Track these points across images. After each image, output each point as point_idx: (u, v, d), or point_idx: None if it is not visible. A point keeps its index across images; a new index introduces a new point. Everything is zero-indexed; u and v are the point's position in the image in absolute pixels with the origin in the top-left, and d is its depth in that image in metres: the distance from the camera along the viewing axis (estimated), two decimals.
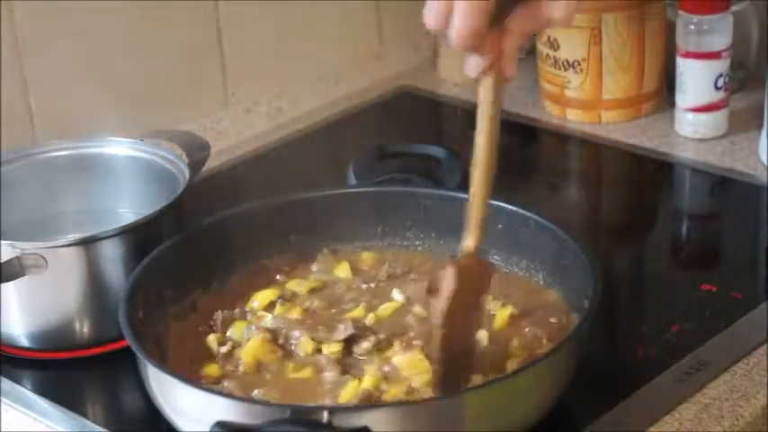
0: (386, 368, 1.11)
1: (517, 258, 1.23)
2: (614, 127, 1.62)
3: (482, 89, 1.00)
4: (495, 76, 0.99)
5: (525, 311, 1.18)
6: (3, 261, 1.16)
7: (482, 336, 1.13)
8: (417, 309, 1.19)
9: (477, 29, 0.94)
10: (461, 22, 0.94)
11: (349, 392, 1.08)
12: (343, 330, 1.14)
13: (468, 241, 1.03)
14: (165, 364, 1.07)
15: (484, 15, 0.94)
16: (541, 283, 1.22)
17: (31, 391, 1.19)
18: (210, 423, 0.97)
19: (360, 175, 1.39)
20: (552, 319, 1.17)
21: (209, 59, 1.62)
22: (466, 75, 0.99)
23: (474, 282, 1.05)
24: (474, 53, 0.97)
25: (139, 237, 1.20)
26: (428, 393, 1.07)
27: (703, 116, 1.56)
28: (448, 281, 1.03)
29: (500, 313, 1.18)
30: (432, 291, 1.05)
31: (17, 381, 1.20)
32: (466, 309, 1.06)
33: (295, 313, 1.19)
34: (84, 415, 1.16)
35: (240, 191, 1.55)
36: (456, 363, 1.06)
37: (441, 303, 1.04)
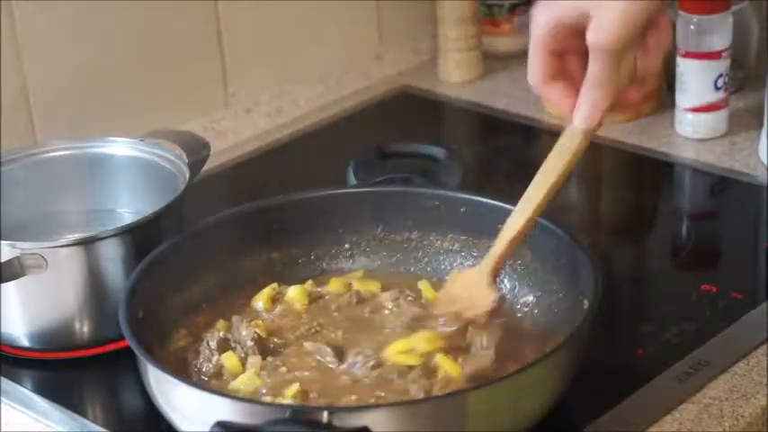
0: None
1: (516, 258, 1.23)
2: (614, 127, 1.62)
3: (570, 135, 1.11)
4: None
5: None
6: (3, 261, 1.16)
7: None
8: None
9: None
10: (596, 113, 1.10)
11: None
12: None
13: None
14: (164, 364, 1.07)
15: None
16: None
17: (31, 391, 1.19)
18: (210, 423, 0.97)
19: (360, 175, 1.39)
20: None
21: (209, 59, 1.62)
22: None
23: None
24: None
25: (139, 237, 1.20)
26: None
27: (703, 116, 1.56)
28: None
29: None
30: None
31: (17, 381, 1.20)
32: None
33: None
34: (84, 415, 1.16)
35: (240, 191, 1.55)
36: None
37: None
